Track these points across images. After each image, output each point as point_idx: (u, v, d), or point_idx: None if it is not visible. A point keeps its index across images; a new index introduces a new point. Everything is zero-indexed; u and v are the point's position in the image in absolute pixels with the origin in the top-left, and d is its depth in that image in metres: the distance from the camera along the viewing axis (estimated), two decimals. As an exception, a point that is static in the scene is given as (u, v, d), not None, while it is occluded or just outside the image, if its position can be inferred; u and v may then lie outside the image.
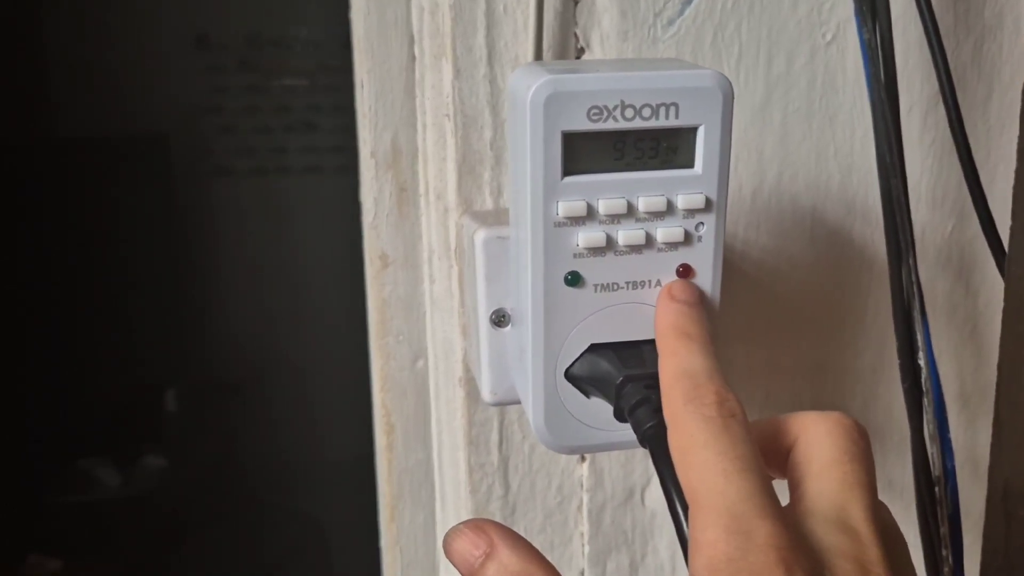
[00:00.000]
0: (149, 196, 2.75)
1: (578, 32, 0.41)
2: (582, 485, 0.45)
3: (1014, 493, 0.29)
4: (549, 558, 0.45)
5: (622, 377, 0.30)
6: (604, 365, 0.31)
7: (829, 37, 0.43)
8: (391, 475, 0.45)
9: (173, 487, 2.13)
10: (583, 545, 0.46)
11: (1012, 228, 0.38)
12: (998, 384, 0.32)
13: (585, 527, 0.46)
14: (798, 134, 0.44)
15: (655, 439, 0.28)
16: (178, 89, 3.24)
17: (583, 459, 0.45)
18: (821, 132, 0.44)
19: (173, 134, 3.01)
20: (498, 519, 0.44)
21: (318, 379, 3.23)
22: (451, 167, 0.41)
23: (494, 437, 0.43)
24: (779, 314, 0.45)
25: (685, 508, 0.26)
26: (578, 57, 0.41)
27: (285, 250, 3.36)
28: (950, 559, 0.41)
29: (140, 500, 2.04)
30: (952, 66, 0.40)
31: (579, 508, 0.45)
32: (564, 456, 0.44)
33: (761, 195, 0.44)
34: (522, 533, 0.44)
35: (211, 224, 3.26)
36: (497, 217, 0.39)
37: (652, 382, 0.30)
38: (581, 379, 0.32)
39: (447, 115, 0.40)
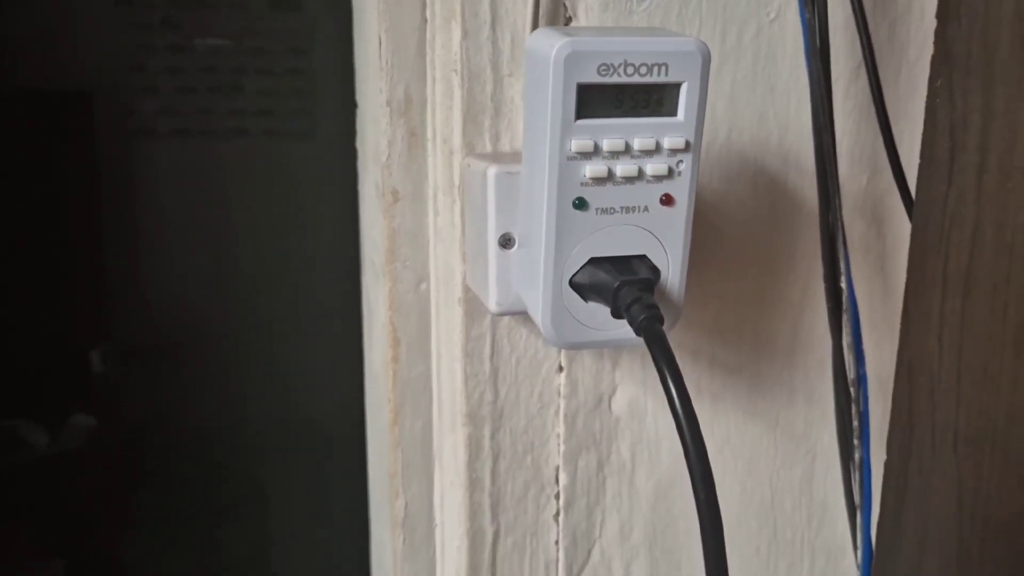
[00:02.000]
0: (72, 154, 2.71)
1: (567, 3, 0.48)
2: (559, 393, 0.53)
3: (916, 368, 0.38)
4: (530, 457, 0.53)
5: (618, 282, 0.38)
6: (602, 274, 0.39)
7: (773, 15, 0.51)
8: (395, 385, 0.52)
9: (103, 446, 2.13)
10: (559, 445, 0.54)
11: (918, 181, 0.47)
12: (906, 289, 0.41)
13: (561, 429, 0.53)
14: (744, 98, 0.52)
15: (649, 329, 0.36)
16: (100, 46, 3.17)
17: (561, 369, 0.52)
18: (763, 97, 0.52)
19: (96, 92, 2.96)
20: (488, 421, 0.52)
21: (245, 341, 3.24)
22: (456, 116, 0.48)
23: (487, 350, 0.50)
24: (726, 249, 0.54)
25: (679, 380, 0.33)
26: (568, 22, 0.48)
27: (211, 212, 3.35)
28: (861, 449, 0.50)
29: (69, 458, 2.04)
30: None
31: (556, 413, 0.53)
32: (545, 367, 0.52)
33: (714, 149, 0.52)
34: (507, 434, 0.53)
35: (134, 184, 3.23)
36: (496, 158, 0.46)
37: (644, 286, 0.38)
38: (583, 286, 0.39)
39: (454, 71, 0.47)
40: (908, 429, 0.38)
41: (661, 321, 0.37)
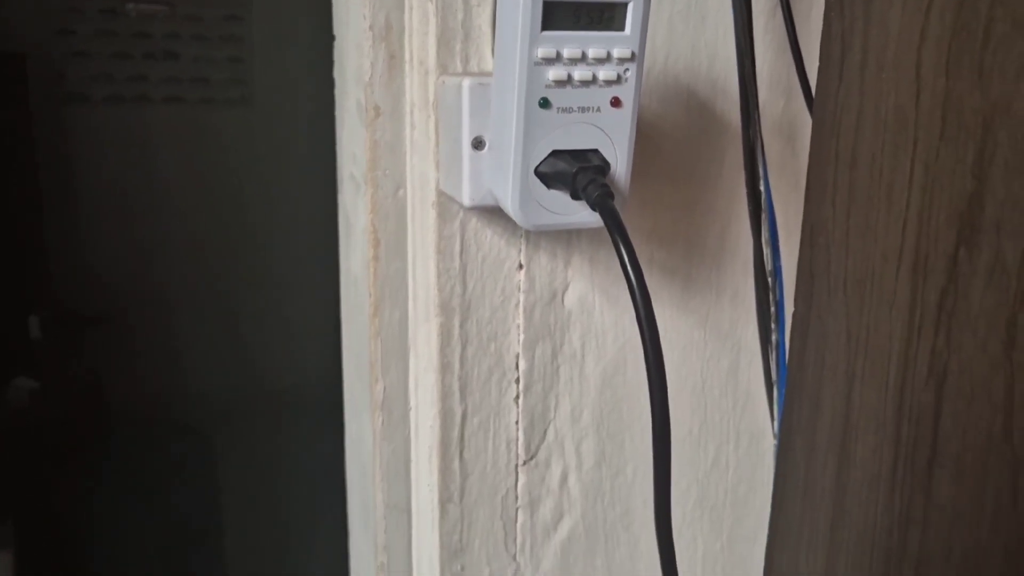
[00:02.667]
0: (7, 117, 2.68)
1: (526, -58, 0.55)
2: (519, 288, 0.60)
3: (816, 230, 0.46)
4: (494, 345, 0.61)
5: (576, 168, 0.46)
6: (562, 164, 0.47)
7: (703, -42, 0.59)
8: (376, 281, 0.59)
9: (47, 407, 2.14)
10: (519, 335, 0.61)
11: (817, 80, 0.55)
12: (808, 168, 0.49)
13: (520, 321, 0.61)
14: (679, 30, 0.60)
15: (602, 203, 0.44)
16: (30, 8, 3.12)
17: (521, 267, 0.60)
18: (695, 29, 0.60)
19: (30, 55, 2.92)
20: (457, 312, 0.59)
21: (183, 307, 3.25)
22: (431, 40, 0.54)
23: (457, 248, 0.58)
24: (663, 164, 0.62)
25: (629, 244, 0.41)
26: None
27: (146, 180, 3.33)
28: (777, 332, 0.59)
29: (12, 419, 2.05)
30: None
31: (516, 306, 0.61)
32: (507, 264, 0.60)
33: (653, 74, 0.60)
34: (474, 324, 0.60)
35: (70, 150, 3.19)
36: (470, 75, 0.53)
37: (597, 171, 0.46)
38: (546, 175, 0.47)
39: (430, 0, 0.54)
40: (810, 281, 0.46)
41: (612, 196, 0.44)
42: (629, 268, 0.42)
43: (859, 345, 0.42)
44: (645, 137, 0.61)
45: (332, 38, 0.74)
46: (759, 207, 0.58)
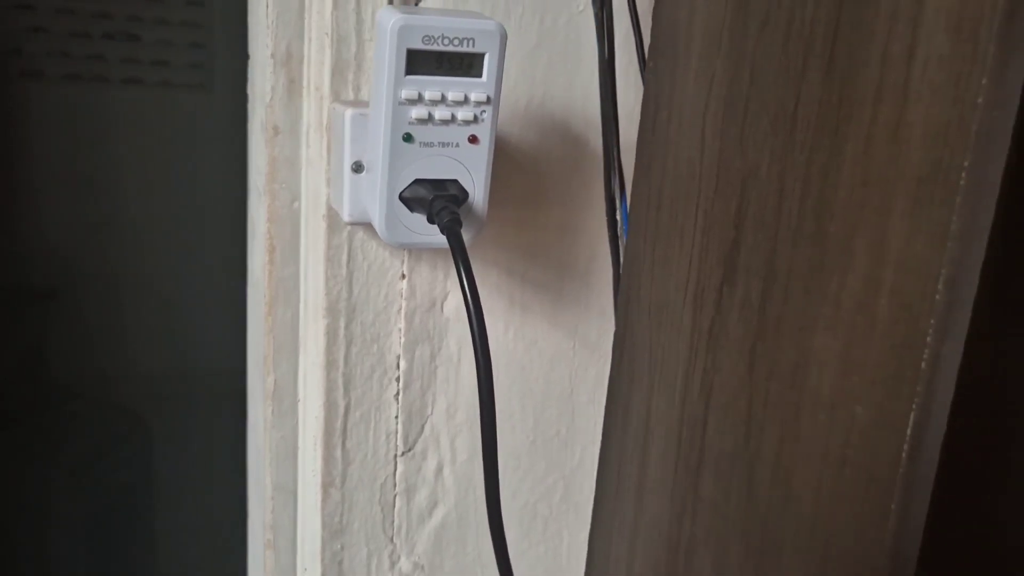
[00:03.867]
0: (-38, 92, 2.69)
1: (417, -13, 0.62)
2: (401, 295, 0.67)
3: (631, 269, 0.53)
4: (376, 345, 0.67)
5: (432, 196, 0.52)
6: (423, 191, 0.53)
7: (581, 8, 0.66)
8: (271, 282, 0.65)
9: (-13, 381, 2.17)
10: (400, 338, 0.68)
11: (639, 130, 0.62)
12: (629, 224, 0.56)
13: (402, 324, 0.67)
14: (557, 70, 0.67)
15: (450, 228, 0.50)
16: (-10, -17, 3.13)
17: (403, 276, 0.66)
18: (572, 70, 0.67)
19: (-12, 31, 2.94)
20: (343, 315, 0.65)
21: (129, 285, 3.27)
22: (327, 69, 0.61)
23: (344, 257, 0.64)
24: (539, 188, 0.68)
25: (467, 264, 0.48)
26: (417, 3, 0.62)
27: (100, 159, 3.35)
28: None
29: (-48, 391, 2.07)
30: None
31: (399, 311, 0.67)
32: (390, 273, 0.66)
33: (531, 108, 0.67)
34: (359, 326, 0.66)
35: (22, 128, 3.20)
36: (355, 104, 0.59)
37: (451, 200, 0.52)
38: (409, 200, 0.53)
39: (327, 33, 0.60)
40: (626, 304, 0.53)
41: (460, 225, 0.51)
42: (465, 283, 0.49)
43: (656, 362, 0.49)
44: (522, 165, 0.67)
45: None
46: (616, 234, 0.65)
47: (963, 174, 0.30)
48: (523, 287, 0.70)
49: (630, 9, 0.62)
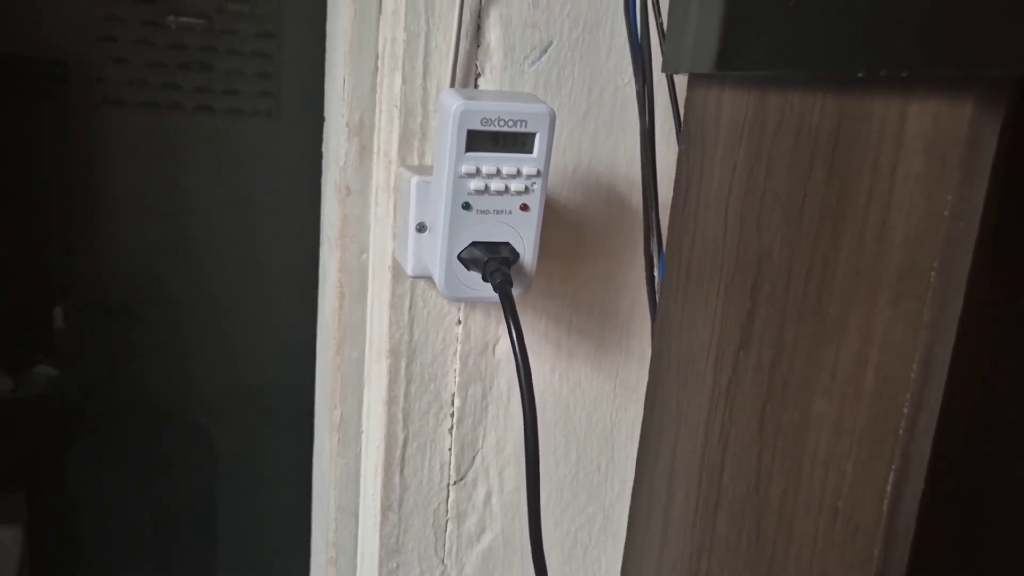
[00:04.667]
0: (48, 118, 2.85)
1: (477, 63, 0.69)
2: (457, 339, 0.73)
3: (663, 327, 0.59)
4: (433, 384, 0.74)
5: (487, 258, 0.59)
6: (478, 253, 0.60)
7: (625, 81, 0.72)
8: (340, 326, 0.72)
9: (63, 394, 2.29)
10: (455, 377, 0.74)
11: (670, 221, 0.68)
12: (662, 288, 0.62)
13: (457, 366, 0.74)
14: (603, 137, 0.73)
15: (501, 287, 0.57)
16: (76, 14, 3.31)
17: (459, 322, 0.73)
18: (617, 138, 0.73)
19: (72, 60, 3.10)
20: (404, 356, 0.72)
21: (197, 303, 3.41)
22: (395, 137, 0.68)
23: (406, 304, 0.71)
24: (585, 244, 0.75)
25: (515, 318, 0.54)
26: (476, 79, 0.69)
27: (173, 183, 3.50)
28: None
29: (32, 404, 2.20)
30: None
31: (454, 353, 0.74)
32: (447, 319, 0.73)
33: (579, 172, 0.73)
34: (418, 366, 0.73)
35: (101, 151, 3.37)
36: (420, 169, 0.66)
37: (503, 262, 0.59)
38: (466, 260, 0.60)
39: (396, 106, 0.68)
40: (658, 359, 0.59)
41: (511, 284, 0.57)
42: (514, 337, 0.55)
43: (682, 412, 0.54)
44: (570, 222, 0.74)
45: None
46: (654, 289, 0.70)
47: (933, 273, 0.36)
48: (569, 334, 0.77)
49: (668, 86, 0.68)
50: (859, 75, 0.38)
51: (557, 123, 0.70)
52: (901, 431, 0.38)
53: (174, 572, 2.12)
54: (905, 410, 0.37)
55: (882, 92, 0.39)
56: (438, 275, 0.61)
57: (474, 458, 0.77)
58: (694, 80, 0.57)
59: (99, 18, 3.39)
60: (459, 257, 0.60)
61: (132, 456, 2.13)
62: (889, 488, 0.38)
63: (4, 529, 1.95)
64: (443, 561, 0.79)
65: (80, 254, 3.17)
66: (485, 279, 0.59)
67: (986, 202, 0.35)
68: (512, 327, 0.55)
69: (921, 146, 0.37)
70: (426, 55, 0.67)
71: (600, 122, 0.73)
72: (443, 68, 0.67)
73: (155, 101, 3.58)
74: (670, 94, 0.68)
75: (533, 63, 0.70)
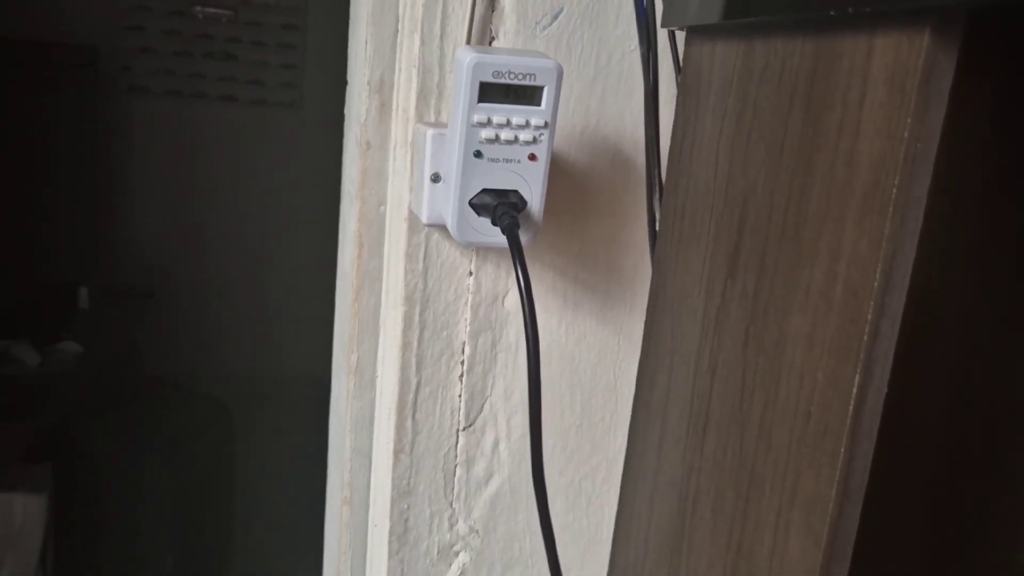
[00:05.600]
0: (77, 103, 2.92)
1: (492, 27, 0.73)
2: (468, 290, 0.78)
3: (658, 267, 0.63)
4: (445, 332, 0.78)
5: (496, 203, 0.63)
6: (488, 199, 0.64)
7: (632, 47, 0.76)
8: (358, 274, 0.77)
9: (89, 369, 2.36)
10: (466, 326, 0.79)
11: (667, 167, 0.72)
12: (659, 232, 0.66)
13: (468, 315, 0.78)
14: (610, 99, 0.77)
15: (509, 229, 0.61)
16: (105, 3, 3.38)
17: (471, 274, 0.77)
18: (624, 100, 0.77)
19: (101, 48, 3.17)
20: (418, 304, 0.76)
21: (217, 287, 3.48)
22: (413, 95, 0.72)
23: (421, 254, 0.75)
24: (592, 203, 0.79)
25: (522, 259, 0.58)
26: (491, 41, 0.73)
27: (196, 171, 3.57)
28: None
29: (58, 377, 2.27)
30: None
31: (466, 303, 0.78)
32: (460, 271, 0.77)
33: (586, 133, 0.77)
34: (432, 314, 0.77)
35: (128, 137, 3.44)
36: (436, 125, 0.70)
37: (512, 207, 0.63)
38: (477, 205, 0.64)
39: (414, 65, 0.72)
40: (655, 297, 0.63)
41: (518, 227, 0.62)
42: (519, 273, 0.59)
43: (676, 344, 0.58)
44: (577, 182, 0.78)
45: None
46: (655, 244, 0.74)
47: (894, 191, 0.40)
48: (575, 288, 0.81)
49: (671, 49, 0.72)
50: (831, 13, 0.42)
51: (567, 86, 0.74)
52: (865, 338, 0.42)
53: (193, 540, 2.18)
54: (868, 317, 0.41)
55: (852, 31, 0.43)
56: (451, 221, 0.65)
57: (483, 405, 0.81)
58: (691, 35, 0.61)
59: (127, 7, 3.47)
60: (471, 203, 0.64)
61: (152, 429, 2.19)
62: (855, 391, 0.42)
63: (31, 498, 2.01)
64: (451, 504, 0.83)
65: (105, 236, 3.24)
66: (494, 223, 0.63)
67: (943, 125, 0.39)
68: (518, 266, 0.59)
69: (884, 76, 0.40)
70: (443, 18, 0.71)
71: (607, 86, 0.77)
72: (459, 30, 0.72)
73: (180, 90, 3.65)
74: (673, 58, 0.72)
75: (544, 28, 0.74)
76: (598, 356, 0.83)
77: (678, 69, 0.73)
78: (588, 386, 0.84)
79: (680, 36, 0.67)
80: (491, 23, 0.73)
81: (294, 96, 3.68)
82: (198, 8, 3.71)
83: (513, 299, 0.79)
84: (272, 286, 3.50)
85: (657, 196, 0.74)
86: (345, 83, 0.87)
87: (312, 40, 3.58)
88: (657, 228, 0.74)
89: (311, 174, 3.40)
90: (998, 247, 0.41)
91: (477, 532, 0.84)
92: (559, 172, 0.77)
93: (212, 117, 3.60)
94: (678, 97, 0.62)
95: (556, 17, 0.74)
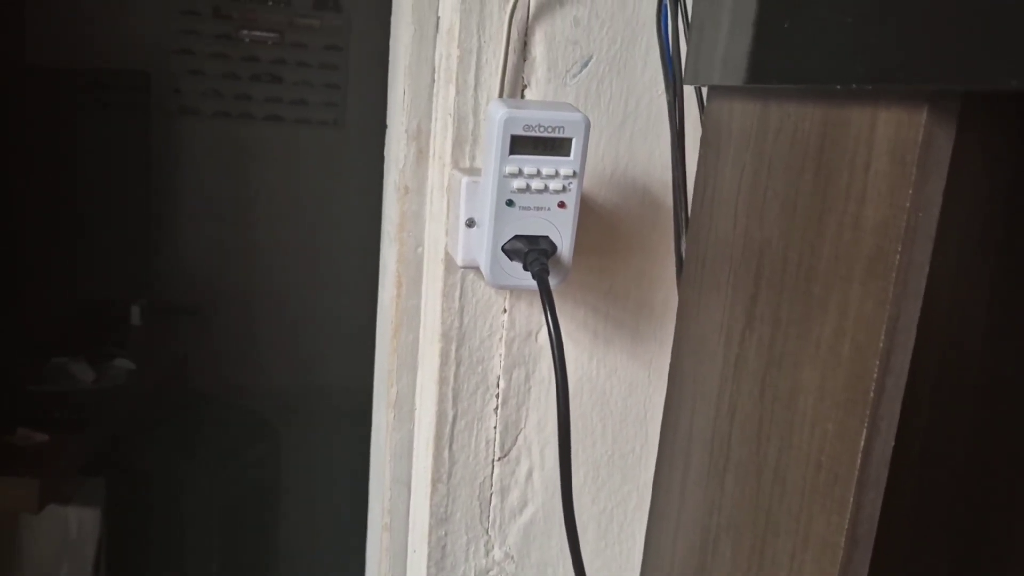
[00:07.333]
0: (130, 127, 3.01)
1: (524, 76, 0.76)
2: (503, 326, 0.81)
3: (681, 314, 0.66)
4: (480, 367, 0.81)
5: (528, 249, 0.66)
6: (520, 245, 0.67)
7: (659, 91, 0.79)
8: (397, 311, 0.80)
9: (140, 385, 2.43)
10: (500, 361, 0.82)
11: (690, 217, 0.74)
12: (683, 278, 0.69)
13: (503, 351, 0.81)
14: (639, 143, 0.80)
15: (539, 276, 0.64)
16: (156, 29, 3.49)
17: (505, 311, 0.80)
18: (652, 143, 0.80)
19: (153, 72, 3.28)
20: (454, 340, 0.80)
21: (264, 305, 3.56)
22: (448, 143, 0.76)
23: (457, 293, 0.79)
24: (622, 242, 0.82)
25: (551, 304, 0.61)
26: (523, 90, 0.76)
27: (243, 189, 3.66)
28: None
29: (111, 393, 2.34)
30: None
31: (500, 339, 0.81)
32: (494, 308, 0.80)
33: (616, 175, 0.80)
34: (467, 350, 0.80)
35: (179, 159, 3.54)
36: (471, 171, 0.74)
37: (542, 253, 0.66)
38: (509, 251, 0.68)
39: (450, 114, 0.75)
40: (679, 343, 0.66)
41: (548, 272, 0.65)
42: (549, 317, 0.62)
43: (698, 389, 0.61)
44: (607, 222, 0.81)
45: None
46: (681, 278, 0.77)
47: (896, 256, 0.42)
48: (606, 324, 0.83)
49: (697, 97, 0.75)
50: (837, 87, 0.44)
51: (596, 130, 0.77)
52: (871, 394, 0.44)
53: (239, 552, 2.23)
54: (875, 375, 0.44)
55: (857, 103, 0.45)
56: (484, 264, 0.68)
57: (517, 436, 0.84)
58: (712, 93, 0.63)
59: (177, 32, 3.58)
60: (503, 248, 0.68)
61: (200, 444, 2.25)
62: (862, 443, 0.45)
63: (85, 511, 2.08)
64: (487, 531, 0.86)
65: (156, 255, 3.34)
66: (526, 268, 0.67)
67: (943, 195, 0.41)
68: (547, 309, 0.62)
69: (886, 148, 0.43)
70: (478, 69, 0.74)
71: (636, 130, 0.79)
72: (493, 80, 0.75)
73: (228, 111, 3.75)
74: (699, 104, 0.75)
75: (575, 76, 0.77)
76: (628, 389, 0.86)
77: (702, 115, 0.75)
78: (619, 418, 0.86)
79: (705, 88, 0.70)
80: (523, 72, 0.76)
81: (337, 115, 3.76)
82: (245, 32, 3.81)
83: (545, 335, 0.82)
84: (316, 302, 3.58)
85: (683, 237, 0.76)
86: (385, 101, 0.90)
87: (354, 60, 3.65)
88: (683, 243, 0.77)
89: (354, 191, 3.47)
90: (1001, 306, 0.43)
91: (512, 558, 0.87)
92: (590, 213, 0.79)
93: (258, 136, 3.69)
94: (700, 150, 0.65)
95: (585, 65, 0.77)
